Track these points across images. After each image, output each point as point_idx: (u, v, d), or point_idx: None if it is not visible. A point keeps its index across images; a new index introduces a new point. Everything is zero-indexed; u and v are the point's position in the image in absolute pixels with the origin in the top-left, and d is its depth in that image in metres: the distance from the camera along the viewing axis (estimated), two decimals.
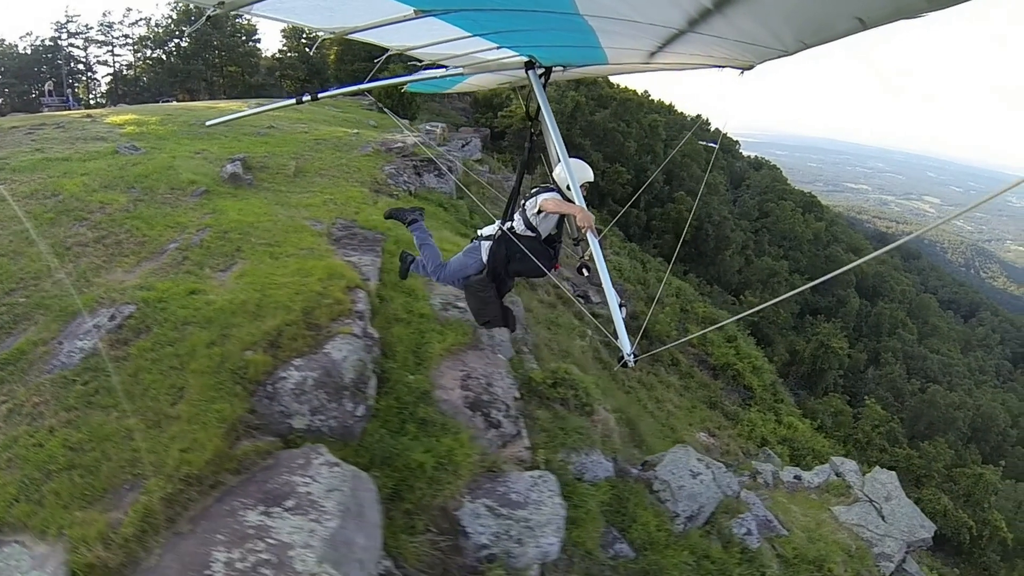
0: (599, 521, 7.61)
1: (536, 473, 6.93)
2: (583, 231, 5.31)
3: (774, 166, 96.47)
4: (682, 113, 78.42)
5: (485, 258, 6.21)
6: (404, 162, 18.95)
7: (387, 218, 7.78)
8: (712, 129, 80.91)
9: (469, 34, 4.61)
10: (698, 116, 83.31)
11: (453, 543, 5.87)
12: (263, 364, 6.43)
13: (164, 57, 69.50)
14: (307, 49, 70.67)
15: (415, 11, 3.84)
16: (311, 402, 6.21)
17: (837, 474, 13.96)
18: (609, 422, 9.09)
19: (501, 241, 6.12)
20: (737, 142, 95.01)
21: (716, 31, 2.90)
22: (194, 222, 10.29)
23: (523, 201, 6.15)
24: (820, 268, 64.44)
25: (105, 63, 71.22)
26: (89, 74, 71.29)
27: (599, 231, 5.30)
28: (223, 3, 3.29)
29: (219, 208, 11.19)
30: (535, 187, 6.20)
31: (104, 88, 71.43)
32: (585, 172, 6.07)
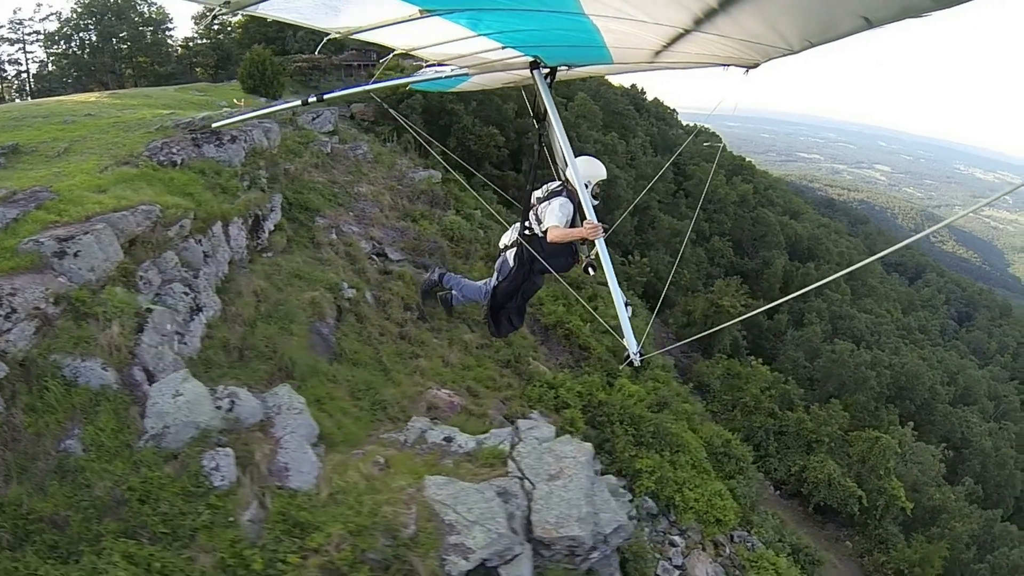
0: (60, 415, 8.67)
1: None
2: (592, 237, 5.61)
3: (713, 133, 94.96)
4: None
5: (512, 263, 6.60)
6: (182, 135, 19.47)
7: (425, 297, 8.23)
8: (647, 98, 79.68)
9: (474, 34, 4.61)
10: (656, 101, 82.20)
11: None
12: None
13: (72, 51, 67.45)
14: (219, 36, 69.44)
15: (420, 11, 3.86)
16: None
17: (514, 442, 12.21)
18: (114, 337, 9.88)
19: (522, 245, 6.44)
20: (674, 110, 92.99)
21: (721, 30, 2.91)
22: None
23: (536, 205, 6.43)
24: (747, 231, 62.99)
25: (16, 61, 68.66)
26: (1, 73, 68.75)
27: (605, 231, 5.58)
28: (228, 2, 3.41)
29: None
30: (547, 189, 6.52)
31: (27, 85, 68.99)
32: (597, 170, 6.40)
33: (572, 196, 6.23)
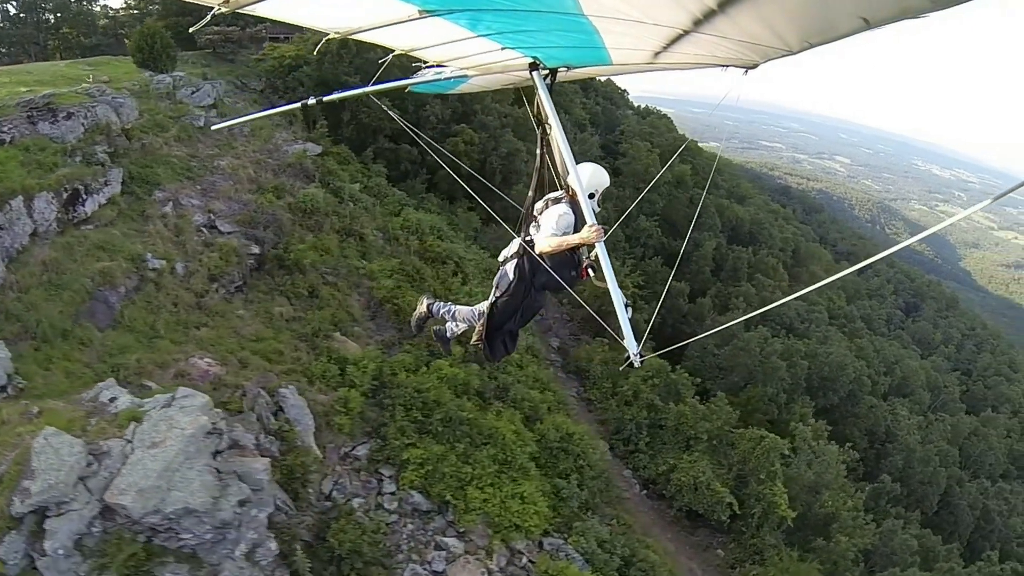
0: None
1: None
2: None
3: (664, 115, 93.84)
4: None
5: (512, 276, 6.23)
6: (18, 113, 20.39)
7: (419, 332, 8.05)
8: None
9: (474, 34, 4.60)
10: (608, 80, 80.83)
11: None
12: None
13: None
14: (149, 6, 67.60)
15: (419, 11, 3.85)
16: None
17: (166, 407, 12.87)
18: None
19: (523, 256, 6.16)
20: (625, 91, 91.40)
21: (720, 31, 2.94)
22: None
23: (537, 216, 6.20)
24: (682, 212, 61.29)
25: None
26: None
27: (605, 230, 5.40)
28: (227, 1, 3.41)
29: None
30: (547, 199, 6.21)
31: None
32: (601, 177, 6.15)
33: (573, 205, 6.00)
